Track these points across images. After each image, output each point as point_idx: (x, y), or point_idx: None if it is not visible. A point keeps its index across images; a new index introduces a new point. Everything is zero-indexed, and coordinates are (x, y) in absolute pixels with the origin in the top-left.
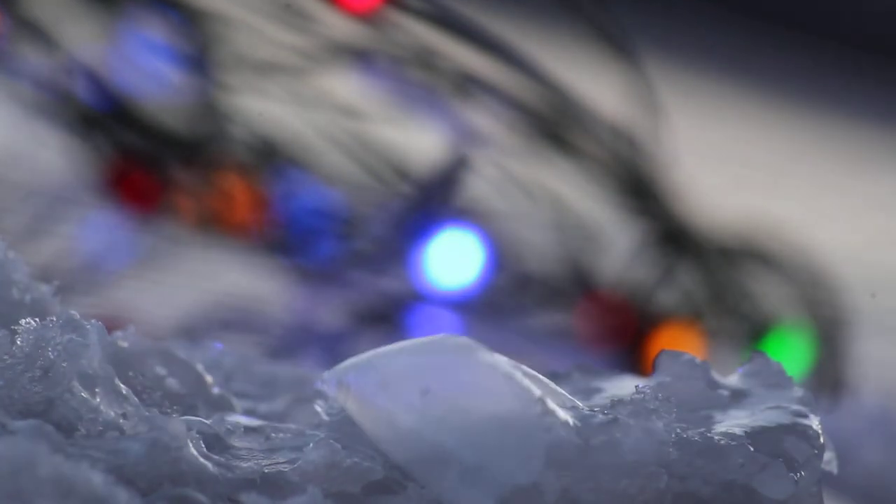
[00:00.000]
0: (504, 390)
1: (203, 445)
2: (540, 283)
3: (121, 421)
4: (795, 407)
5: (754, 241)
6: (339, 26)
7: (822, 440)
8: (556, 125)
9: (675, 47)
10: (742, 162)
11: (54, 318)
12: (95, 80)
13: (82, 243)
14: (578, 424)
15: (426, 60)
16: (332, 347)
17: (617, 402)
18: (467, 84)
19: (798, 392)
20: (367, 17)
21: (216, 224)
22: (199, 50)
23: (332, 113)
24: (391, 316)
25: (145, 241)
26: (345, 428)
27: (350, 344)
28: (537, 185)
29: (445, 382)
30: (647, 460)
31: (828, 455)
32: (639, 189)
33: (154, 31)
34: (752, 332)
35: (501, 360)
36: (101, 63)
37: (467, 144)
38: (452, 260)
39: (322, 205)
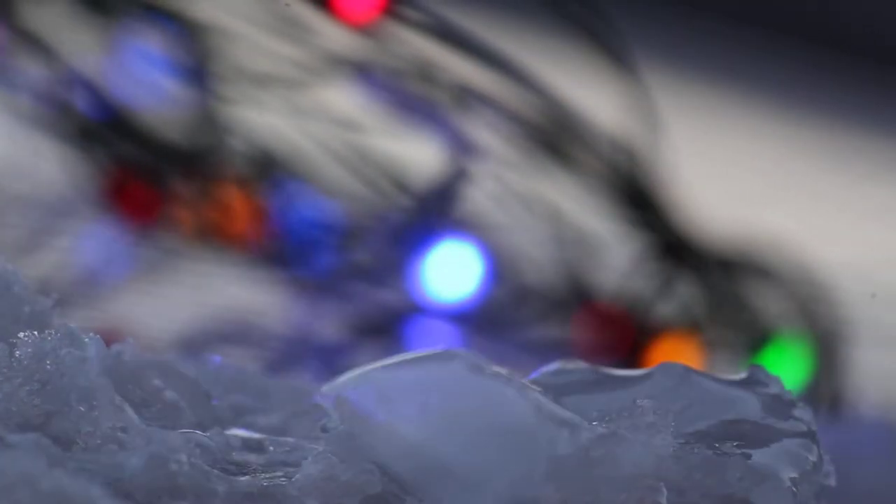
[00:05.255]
0: (504, 403)
1: (201, 459)
2: (538, 296)
3: (119, 434)
4: (794, 420)
5: (753, 253)
6: (338, 38)
7: (820, 453)
8: (554, 137)
9: (674, 58)
10: (741, 173)
11: (53, 331)
12: (94, 92)
13: (81, 256)
14: (577, 437)
15: (425, 72)
16: (331, 360)
17: (615, 415)
18: (466, 96)
19: (796, 405)
20: (365, 29)
21: (215, 236)
22: (198, 61)
23: (331, 125)
24: (390, 328)
25: (144, 254)
26: (343, 441)
27: (348, 356)
28: (536, 197)
29: (445, 396)
30: (646, 474)
31: (826, 468)
32: (638, 201)
33: (152, 42)
34: (751, 344)
35: (501, 374)
36: (100, 74)
37: (466, 157)
38: (451, 272)
39: (320, 217)
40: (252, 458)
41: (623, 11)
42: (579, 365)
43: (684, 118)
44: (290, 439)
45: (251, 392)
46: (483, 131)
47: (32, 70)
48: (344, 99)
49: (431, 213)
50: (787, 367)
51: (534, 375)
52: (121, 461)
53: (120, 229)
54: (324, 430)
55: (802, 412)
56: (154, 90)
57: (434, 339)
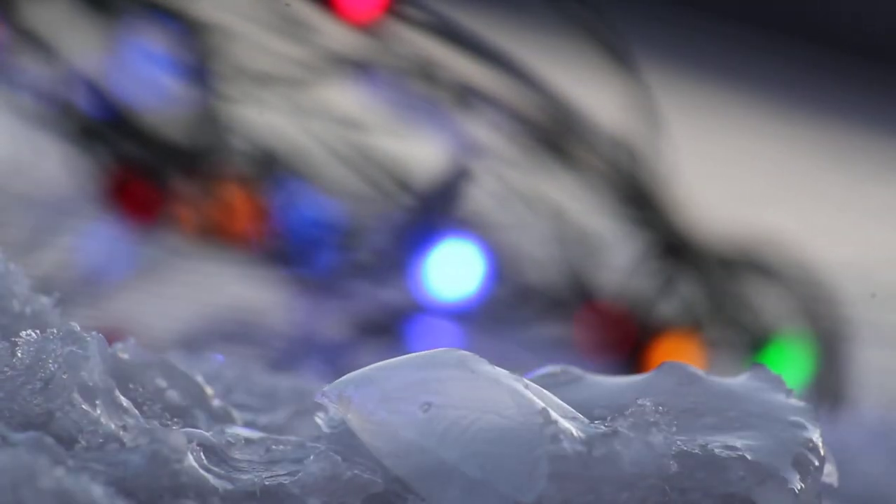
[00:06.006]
0: (506, 403)
1: (203, 457)
2: (540, 294)
3: (121, 433)
4: (795, 419)
5: (754, 252)
6: (340, 37)
7: (822, 452)
8: (556, 136)
9: (676, 58)
10: (743, 173)
11: (55, 330)
12: (95, 91)
13: (83, 254)
14: (580, 436)
15: (426, 71)
16: (333, 359)
17: (617, 415)
18: (468, 95)
19: (798, 404)
20: (367, 28)
21: (216, 235)
22: (199, 60)
23: (333, 124)
24: (392, 327)
25: (145, 252)
26: (345, 440)
27: (350, 355)
28: (538, 196)
29: (447, 396)
30: (648, 473)
31: (828, 467)
32: (639, 200)
33: (154, 41)
34: (752, 343)
35: (503, 373)
36: (101, 73)
37: (468, 155)
38: (453, 271)
39: (322, 216)
40: (254, 456)
41: (623, 11)
42: (579, 365)
43: (685, 118)
44: (292, 438)
45: (253, 391)
46: (485, 130)
47: (34, 69)
48: (346, 98)
49: (433, 211)
50: (789, 366)
51: (534, 375)
52: (123, 460)
53: (122, 228)
54: (326, 428)
55: (804, 411)
56: (156, 89)
57: (436, 338)
